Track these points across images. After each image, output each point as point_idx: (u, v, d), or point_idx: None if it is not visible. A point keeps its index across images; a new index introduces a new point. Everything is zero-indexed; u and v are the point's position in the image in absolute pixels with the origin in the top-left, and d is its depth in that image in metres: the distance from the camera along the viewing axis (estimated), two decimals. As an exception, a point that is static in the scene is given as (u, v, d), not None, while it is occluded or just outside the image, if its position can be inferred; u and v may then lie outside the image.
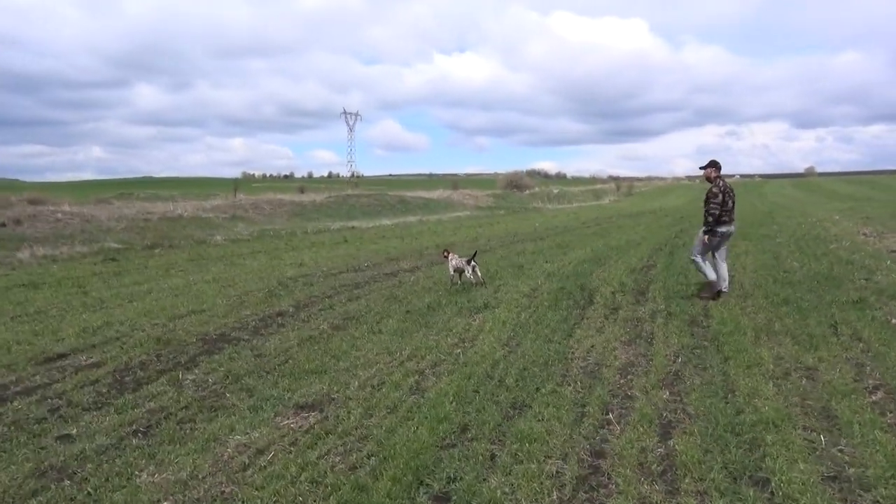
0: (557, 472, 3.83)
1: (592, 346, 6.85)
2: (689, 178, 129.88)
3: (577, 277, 11.34)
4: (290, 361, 6.78)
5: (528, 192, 62.89)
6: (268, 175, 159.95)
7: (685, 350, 6.51)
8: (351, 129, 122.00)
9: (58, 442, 4.86)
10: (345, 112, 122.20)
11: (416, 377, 6.02)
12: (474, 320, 8.31)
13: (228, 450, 4.55)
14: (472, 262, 10.39)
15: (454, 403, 5.13)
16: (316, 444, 4.56)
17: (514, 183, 65.53)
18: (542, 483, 3.82)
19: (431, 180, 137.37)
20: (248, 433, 4.87)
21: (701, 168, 8.90)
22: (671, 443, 4.17)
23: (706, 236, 8.62)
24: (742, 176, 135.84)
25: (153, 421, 5.22)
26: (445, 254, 10.86)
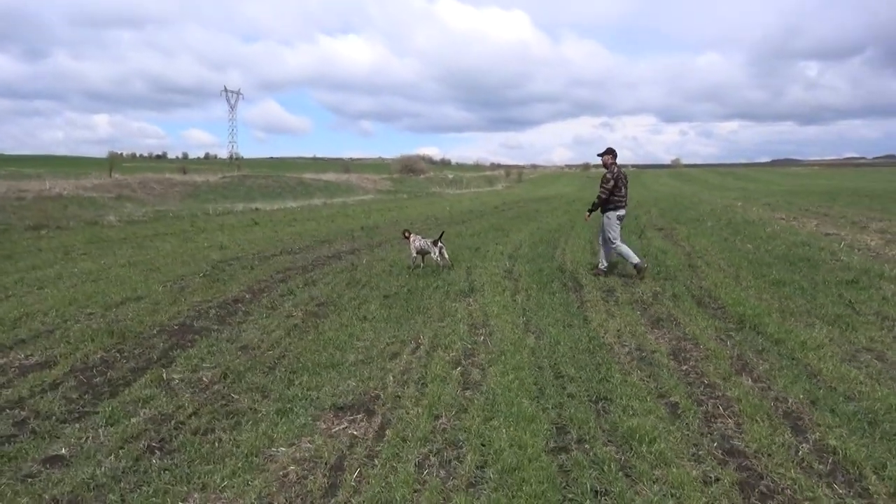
0: (710, 476, 3.28)
1: (619, 331, 6.40)
2: (569, 166, 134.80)
3: (542, 259, 10.96)
4: (289, 355, 5.86)
5: (423, 176, 62.49)
6: (138, 155, 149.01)
7: (722, 332, 6.20)
8: (232, 109, 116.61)
9: (48, 466, 3.74)
10: (226, 90, 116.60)
11: (458, 369, 5.31)
12: (469, 304, 7.68)
13: (290, 467, 3.66)
14: (440, 244, 9.91)
15: (528, 399, 4.46)
16: (398, 454, 3.77)
17: (409, 167, 64.94)
18: (703, 491, 3.26)
19: (317, 163, 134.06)
20: (295, 443, 3.99)
21: (599, 155, 9.19)
22: (813, 437, 3.72)
23: (589, 215, 9.32)
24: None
25: (164, 433, 4.19)
26: (406, 234, 10.32)
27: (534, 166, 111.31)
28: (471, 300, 7.96)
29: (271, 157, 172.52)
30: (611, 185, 8.95)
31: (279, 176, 39.07)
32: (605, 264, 9.40)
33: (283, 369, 5.50)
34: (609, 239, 9.18)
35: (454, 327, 6.60)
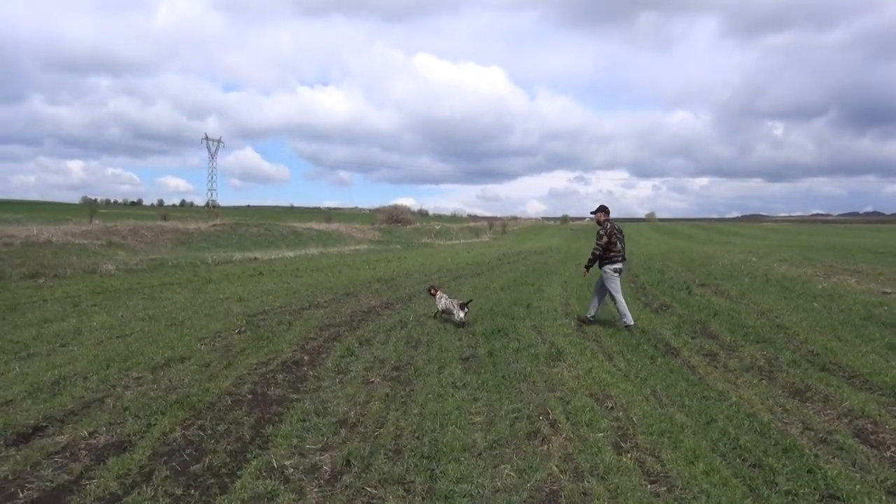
0: None
1: (767, 406, 5.63)
2: (546, 218, 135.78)
3: (603, 316, 10.29)
4: (405, 434, 5.02)
5: (409, 227, 61.86)
6: (112, 201, 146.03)
7: (885, 407, 5.48)
8: (213, 156, 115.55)
9: None
10: (206, 138, 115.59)
11: (627, 455, 4.47)
12: (569, 370, 6.91)
13: None
14: (466, 308, 9.80)
15: (736, 479, 3.66)
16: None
17: (395, 217, 64.27)
18: None
19: (294, 212, 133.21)
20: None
21: (591, 213, 9.74)
22: None
23: (587, 271, 9.87)
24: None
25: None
26: (433, 291, 10.46)
27: (514, 218, 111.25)
28: (565, 365, 7.19)
29: (248, 206, 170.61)
30: (604, 241, 9.28)
31: (271, 225, 38.10)
32: (593, 314, 9.72)
33: (412, 454, 4.62)
34: (611, 292, 9.38)
35: (576, 399, 5.79)
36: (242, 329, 9.76)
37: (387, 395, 6.14)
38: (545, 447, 4.68)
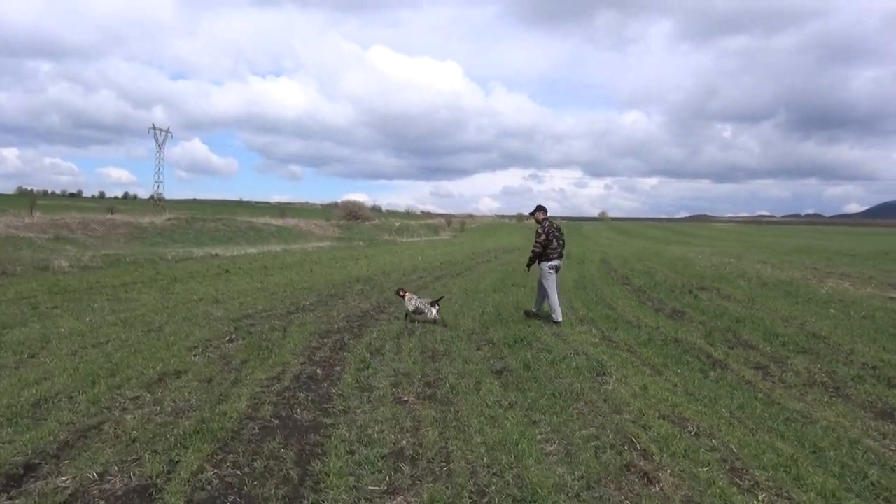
0: None
1: (863, 429, 5.13)
2: (500, 216, 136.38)
3: (620, 321, 9.99)
4: (507, 476, 4.31)
5: (368, 223, 60.89)
6: (49, 192, 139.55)
7: None
8: (160, 147, 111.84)
9: None
10: (154, 127, 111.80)
11: (761, 496, 3.85)
12: (623, 387, 6.35)
13: None
14: (437, 306, 9.93)
15: None
16: None
17: (354, 213, 63.19)
18: None
19: (243, 206, 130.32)
20: None
21: (530, 214, 10.07)
22: None
23: (528, 268, 10.19)
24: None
25: None
26: (401, 293, 10.38)
27: (470, 216, 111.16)
28: (614, 380, 6.62)
29: (195, 199, 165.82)
30: (542, 238, 9.63)
31: (229, 220, 36.69)
32: (537, 309, 10.15)
33: (500, 495, 3.92)
34: (545, 287, 9.73)
35: (653, 424, 5.18)
36: (233, 336, 8.95)
37: (434, 418, 5.40)
38: (655, 487, 4.03)
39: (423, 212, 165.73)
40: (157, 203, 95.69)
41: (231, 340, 8.71)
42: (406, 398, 6.15)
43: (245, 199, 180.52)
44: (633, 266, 21.53)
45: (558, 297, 9.91)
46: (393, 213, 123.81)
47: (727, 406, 5.85)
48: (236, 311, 11.23)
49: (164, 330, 9.40)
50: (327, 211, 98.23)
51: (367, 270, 20.23)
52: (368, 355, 7.90)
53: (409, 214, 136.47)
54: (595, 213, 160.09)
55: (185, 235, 30.73)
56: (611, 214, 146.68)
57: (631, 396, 6.06)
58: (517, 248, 37.40)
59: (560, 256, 9.84)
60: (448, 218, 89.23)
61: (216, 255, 25.61)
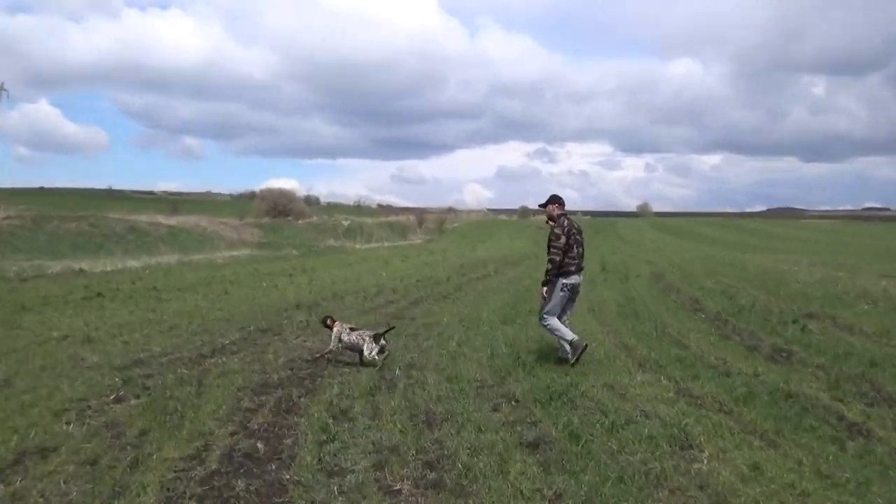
0: None
1: None
2: (492, 211, 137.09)
3: (700, 366, 10.10)
4: None
5: (303, 221, 60.76)
6: None
7: None
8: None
9: None
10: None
11: None
12: (722, 466, 6.28)
13: None
14: (383, 340, 10.37)
15: None
16: None
17: (281, 208, 62.94)
18: None
19: (114, 197, 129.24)
20: None
21: (540, 206, 10.29)
22: None
23: (545, 289, 9.96)
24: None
25: None
26: (328, 322, 10.79)
27: (450, 210, 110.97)
28: (705, 455, 6.56)
29: (42, 187, 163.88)
30: (562, 242, 9.67)
31: (98, 218, 36.28)
32: (571, 339, 9.99)
33: None
34: (545, 311, 9.94)
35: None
36: (121, 393, 8.83)
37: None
38: None
39: (381, 205, 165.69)
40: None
41: (119, 400, 8.61)
42: (398, 486, 6.02)
43: (118, 186, 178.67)
44: (702, 283, 21.69)
45: (559, 322, 10.03)
46: (338, 208, 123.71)
47: (885, 495, 5.76)
48: (120, 354, 11.12)
49: (15, 385, 9.26)
50: (241, 204, 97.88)
51: (308, 292, 20.19)
52: (331, 420, 7.80)
53: (361, 209, 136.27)
54: (633, 205, 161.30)
55: (33, 241, 30.43)
56: (655, 207, 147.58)
57: (738, 480, 5.96)
58: (526, 258, 37.53)
59: (579, 269, 9.99)
60: (419, 214, 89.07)
61: (81, 270, 25.36)
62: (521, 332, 12.92)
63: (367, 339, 10.20)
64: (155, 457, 6.52)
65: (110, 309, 16.47)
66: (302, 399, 8.68)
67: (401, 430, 7.41)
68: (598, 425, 7.42)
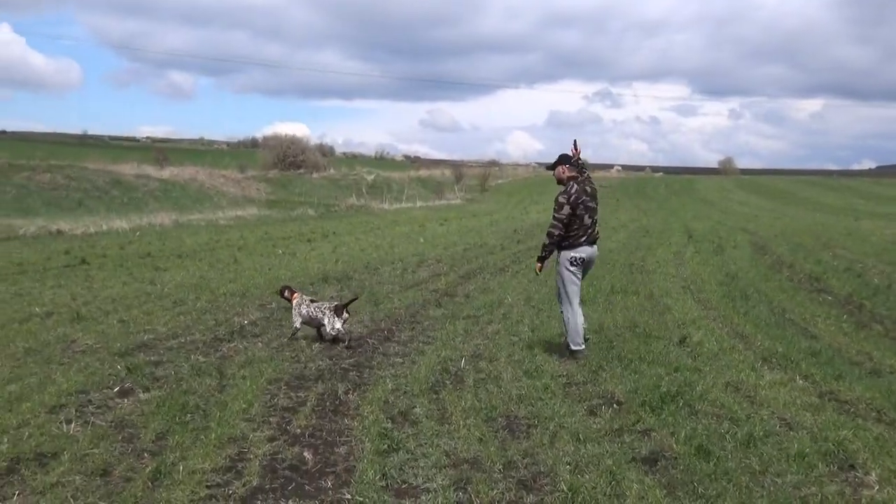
0: None
1: None
2: (542, 164, 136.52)
3: (835, 359, 9.94)
4: None
5: (318, 175, 60.73)
6: None
7: None
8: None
9: None
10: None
11: None
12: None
13: None
14: (345, 313, 10.67)
15: None
16: None
17: (291, 159, 62.81)
18: None
19: (89, 145, 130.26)
20: None
21: (548, 167, 10.32)
22: None
23: (539, 265, 10.25)
24: (623, 167, 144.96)
25: None
26: (287, 294, 11.20)
27: (493, 164, 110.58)
28: (873, 478, 6.37)
29: (4, 132, 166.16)
30: (565, 212, 9.62)
31: (76, 169, 36.41)
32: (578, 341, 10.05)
33: None
34: (563, 291, 9.98)
35: None
36: (126, 385, 8.74)
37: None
38: None
39: (408, 156, 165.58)
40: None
41: (125, 393, 8.52)
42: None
43: (93, 132, 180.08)
44: (818, 256, 21.33)
45: (581, 312, 10.05)
46: (357, 159, 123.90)
47: None
48: (119, 336, 11.09)
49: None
50: (240, 154, 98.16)
51: (335, 262, 20.18)
52: (390, 424, 7.57)
53: (384, 161, 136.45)
54: (713, 160, 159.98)
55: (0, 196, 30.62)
56: (740, 163, 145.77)
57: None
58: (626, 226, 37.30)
59: (591, 241, 9.91)
60: (456, 168, 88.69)
61: (59, 231, 25.50)
62: (605, 315, 12.78)
63: (328, 311, 10.45)
64: (181, 468, 6.32)
65: (99, 279, 16.57)
66: (350, 396, 8.52)
67: (479, 438, 7.18)
68: (728, 437, 7.15)
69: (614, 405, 8.17)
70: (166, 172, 43.98)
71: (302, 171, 60.73)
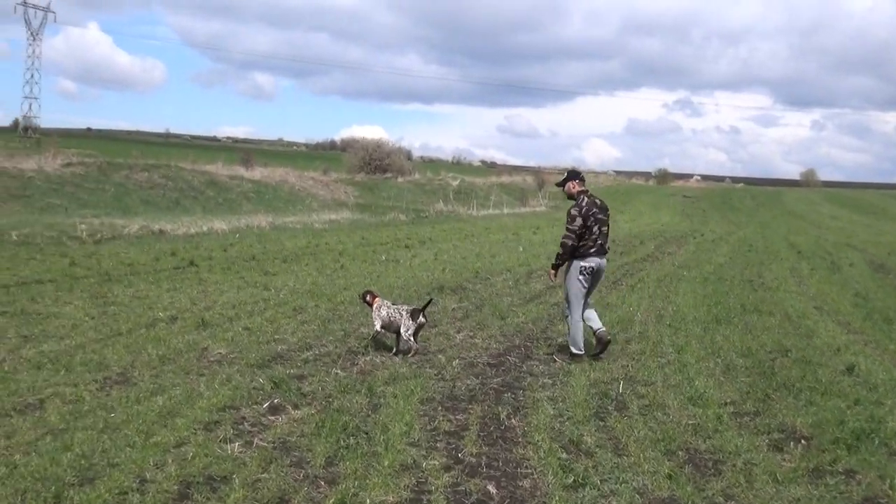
0: None
1: None
2: (620, 174, 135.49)
3: None
4: None
5: (402, 179, 60.66)
6: None
7: None
8: (35, 36, 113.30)
9: None
10: (25, 3, 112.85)
11: None
12: None
13: None
14: (423, 318, 10.63)
15: None
16: None
17: (376, 162, 62.80)
18: None
19: (172, 143, 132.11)
20: None
21: (557, 184, 11.22)
22: None
23: (553, 272, 10.87)
24: (702, 177, 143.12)
25: None
26: (368, 298, 11.14)
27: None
28: None
29: (89, 128, 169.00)
30: (577, 224, 10.29)
31: (173, 168, 36.63)
32: (598, 326, 10.72)
33: None
34: (569, 297, 10.61)
35: None
36: (275, 400, 8.53)
37: None
38: None
39: (484, 162, 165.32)
40: (29, 136, 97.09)
41: (275, 410, 8.24)
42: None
43: (176, 130, 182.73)
44: None
45: (582, 321, 10.56)
46: (434, 163, 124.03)
47: None
48: (250, 346, 10.84)
49: (137, 383, 9.02)
50: (324, 157, 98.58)
51: (442, 270, 19.91)
52: (564, 454, 7.19)
53: (461, 166, 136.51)
54: (793, 171, 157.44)
55: (99, 194, 30.90)
56: (822, 176, 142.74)
57: None
58: (688, 235, 36.85)
59: (601, 252, 10.49)
60: (538, 174, 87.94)
61: (160, 230, 25.58)
62: (748, 338, 12.35)
63: (405, 314, 10.48)
64: (366, 500, 5.92)
65: (212, 283, 16.42)
66: (512, 421, 8.13)
67: (668, 475, 6.71)
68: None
69: (801, 440, 7.72)
70: (256, 173, 44.16)
71: (388, 175, 60.63)
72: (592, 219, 10.35)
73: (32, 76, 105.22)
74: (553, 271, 10.82)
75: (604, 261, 10.64)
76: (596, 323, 10.69)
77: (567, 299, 10.70)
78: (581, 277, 10.41)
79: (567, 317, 10.75)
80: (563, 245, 10.46)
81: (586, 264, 10.36)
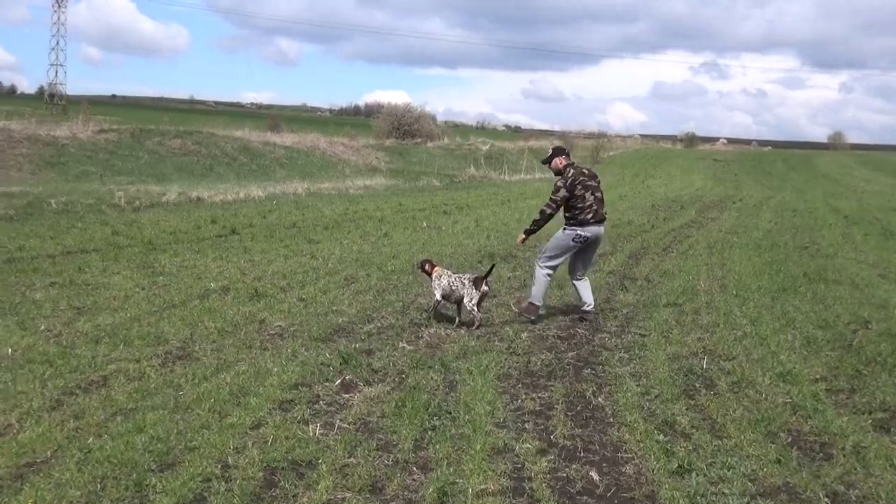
0: None
1: None
2: (644, 137, 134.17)
3: None
4: None
5: (431, 144, 60.17)
6: None
7: None
8: (60, 4, 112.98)
9: None
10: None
11: None
12: None
13: None
14: (485, 285, 10.44)
15: None
16: None
17: (406, 128, 62.29)
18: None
19: (197, 110, 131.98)
20: None
21: (544, 162, 11.33)
22: None
23: (523, 236, 11.24)
24: (728, 140, 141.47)
25: None
26: (427, 267, 10.95)
27: (602, 136, 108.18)
28: None
29: (114, 95, 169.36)
30: (560, 195, 10.38)
31: (202, 135, 36.31)
32: (590, 302, 11.06)
33: None
34: (547, 257, 10.74)
35: None
36: (347, 378, 8.18)
37: None
38: None
39: (508, 126, 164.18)
40: (56, 103, 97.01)
41: (348, 387, 7.97)
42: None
43: (200, 97, 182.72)
44: None
45: (551, 278, 10.82)
46: (458, 128, 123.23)
47: None
48: (310, 318, 10.59)
49: (199, 357, 8.78)
50: (350, 122, 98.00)
51: (486, 237, 19.57)
52: (662, 436, 6.74)
53: (486, 131, 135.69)
54: (820, 134, 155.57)
55: (133, 161, 30.66)
56: (850, 138, 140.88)
57: None
58: (727, 199, 36.30)
59: (599, 219, 10.57)
60: (566, 139, 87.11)
61: (197, 198, 25.31)
62: (820, 308, 11.90)
63: (468, 283, 10.26)
64: (467, 490, 5.55)
65: (257, 251, 16.15)
66: (599, 399, 7.73)
67: (776, 460, 6.27)
68: None
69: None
70: (287, 139, 43.83)
71: (418, 140, 60.14)
72: (581, 186, 10.39)
73: (58, 43, 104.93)
74: (523, 236, 11.11)
75: (601, 229, 10.75)
76: (588, 297, 10.94)
77: (546, 251, 10.81)
78: (573, 242, 10.52)
79: (541, 270, 10.74)
80: (541, 212, 10.66)
81: (583, 233, 10.46)
